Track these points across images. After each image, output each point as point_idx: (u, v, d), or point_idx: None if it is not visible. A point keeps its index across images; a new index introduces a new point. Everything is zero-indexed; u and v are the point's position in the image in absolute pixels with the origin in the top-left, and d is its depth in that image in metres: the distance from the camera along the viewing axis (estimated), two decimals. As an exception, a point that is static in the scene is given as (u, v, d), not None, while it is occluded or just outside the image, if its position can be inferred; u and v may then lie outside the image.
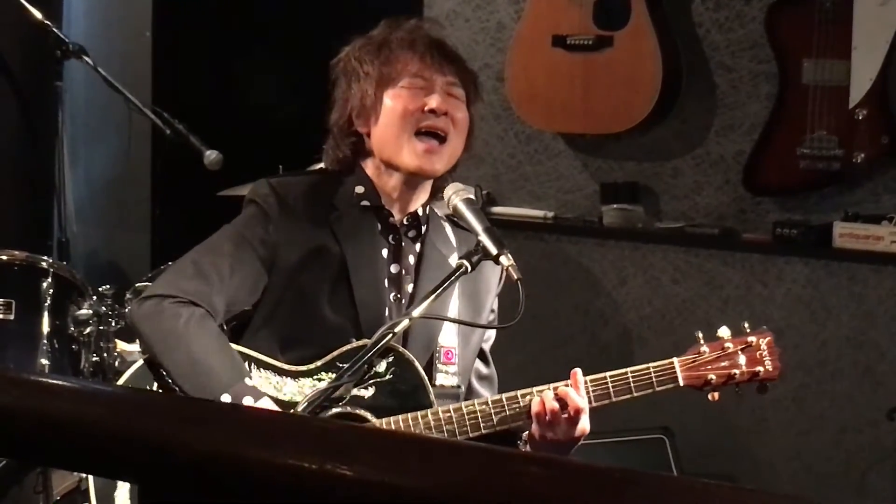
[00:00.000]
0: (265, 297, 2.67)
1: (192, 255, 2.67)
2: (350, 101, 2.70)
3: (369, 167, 2.73)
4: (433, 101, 2.63)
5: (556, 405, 2.51)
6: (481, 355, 2.86)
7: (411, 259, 2.74)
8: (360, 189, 2.72)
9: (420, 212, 2.75)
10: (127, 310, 3.78)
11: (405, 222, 2.74)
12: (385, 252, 2.71)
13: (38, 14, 4.40)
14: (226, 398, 2.46)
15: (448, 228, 2.80)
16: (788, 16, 4.25)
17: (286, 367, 2.61)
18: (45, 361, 3.62)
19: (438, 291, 2.44)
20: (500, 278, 2.80)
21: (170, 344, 2.54)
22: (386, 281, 2.70)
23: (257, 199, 2.70)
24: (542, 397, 2.53)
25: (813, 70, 4.14)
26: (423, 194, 2.73)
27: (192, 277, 2.60)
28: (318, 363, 2.60)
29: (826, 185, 4.28)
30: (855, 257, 4.21)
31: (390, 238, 2.72)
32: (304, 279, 2.64)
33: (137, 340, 2.69)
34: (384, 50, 2.69)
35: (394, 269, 2.71)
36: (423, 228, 2.76)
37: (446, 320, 2.66)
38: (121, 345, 3.88)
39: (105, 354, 3.79)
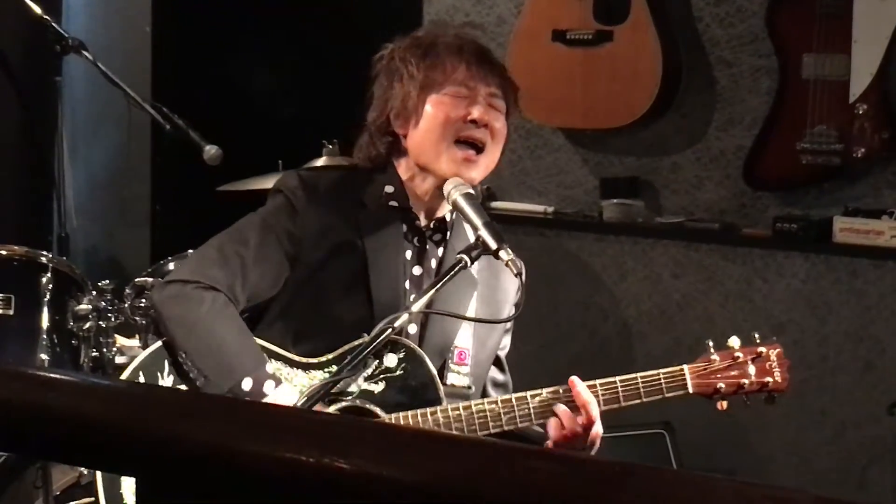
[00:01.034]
0: (284, 289, 2.67)
1: (217, 241, 2.68)
2: (391, 100, 2.69)
3: (402, 168, 2.72)
4: (475, 112, 2.62)
5: (578, 427, 2.54)
6: (497, 362, 2.87)
7: (434, 263, 2.74)
8: (389, 189, 2.72)
9: (447, 217, 2.75)
10: (127, 304, 3.78)
11: (431, 226, 2.74)
12: (409, 254, 2.71)
13: (37, 9, 4.39)
14: (247, 382, 2.47)
15: (470, 232, 2.79)
16: (788, 10, 4.25)
17: (297, 358, 2.62)
18: (44, 356, 3.61)
19: (438, 286, 2.44)
20: (519, 289, 2.80)
21: (192, 328, 2.55)
22: (407, 283, 2.69)
23: (285, 191, 2.69)
24: (558, 419, 2.54)
25: (813, 65, 4.14)
26: None
27: (216, 264, 2.61)
28: (330, 356, 2.60)
29: (826, 180, 4.27)
30: (855, 252, 4.20)
31: (415, 240, 2.72)
32: (325, 275, 2.65)
33: (158, 323, 2.69)
34: (431, 53, 2.68)
35: (416, 271, 2.71)
36: (449, 233, 2.75)
37: (449, 315, 2.66)
38: (120, 340, 3.88)
39: (104, 349, 3.78)
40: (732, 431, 4.46)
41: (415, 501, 0.90)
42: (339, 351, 2.60)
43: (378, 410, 2.59)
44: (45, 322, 3.65)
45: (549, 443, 2.57)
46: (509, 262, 2.42)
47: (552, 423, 2.56)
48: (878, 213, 4.17)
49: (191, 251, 2.81)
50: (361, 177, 2.75)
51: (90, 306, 3.72)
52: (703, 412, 4.24)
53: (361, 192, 2.72)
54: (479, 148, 2.64)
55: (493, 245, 2.44)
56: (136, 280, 3.84)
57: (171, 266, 3.83)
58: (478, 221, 2.48)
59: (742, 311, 4.42)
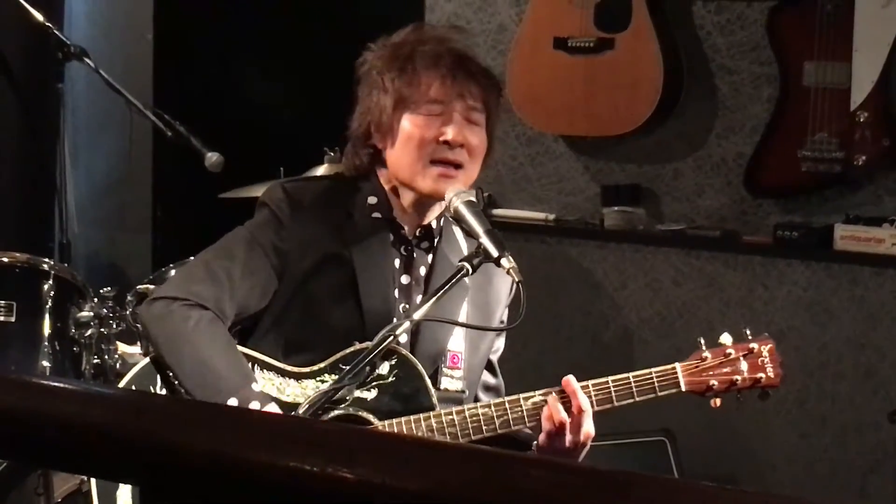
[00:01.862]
0: (274, 302, 2.66)
1: (203, 257, 2.66)
2: (370, 111, 2.67)
3: (384, 178, 2.71)
4: (450, 134, 2.59)
5: (563, 415, 2.52)
6: (489, 366, 2.86)
7: (422, 270, 2.73)
8: (372, 200, 2.71)
9: (434, 224, 2.74)
10: (129, 311, 3.78)
11: (417, 234, 2.73)
12: (397, 263, 2.70)
13: (39, 16, 4.40)
14: (232, 402, 2.45)
15: (460, 236, 2.77)
16: (790, 18, 4.25)
17: (289, 368, 2.61)
18: (46, 364, 3.61)
19: (440, 294, 2.44)
20: (511, 290, 2.80)
21: (178, 346, 2.53)
22: (396, 291, 2.69)
23: (271, 204, 2.68)
24: (549, 410, 2.54)
25: (814, 72, 4.14)
26: (437, 209, 2.71)
27: (202, 280, 2.59)
28: (322, 365, 2.59)
29: (827, 188, 4.28)
30: (856, 259, 4.20)
31: (402, 249, 2.71)
32: (314, 286, 2.64)
33: (145, 341, 2.69)
34: (407, 67, 2.64)
35: (405, 279, 2.70)
36: (436, 240, 2.75)
37: (447, 322, 2.65)
38: (122, 347, 3.88)
39: (106, 356, 3.78)
40: (733, 438, 4.46)
41: (418, 510, 0.90)
42: (331, 359, 2.59)
43: (371, 417, 2.59)
44: (46, 329, 3.65)
45: (541, 437, 2.56)
46: (511, 270, 2.42)
47: (543, 421, 2.54)
48: (879, 221, 4.17)
49: (192, 258, 2.80)
50: (347, 187, 2.74)
51: (92, 313, 3.73)
52: (704, 419, 4.25)
53: (347, 203, 2.70)
54: (456, 165, 2.63)
55: (494, 253, 2.43)
56: (138, 287, 3.85)
57: (173, 273, 3.83)
58: (479, 229, 2.47)
59: (743, 319, 4.41)
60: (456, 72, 2.64)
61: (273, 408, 2.50)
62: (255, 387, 2.51)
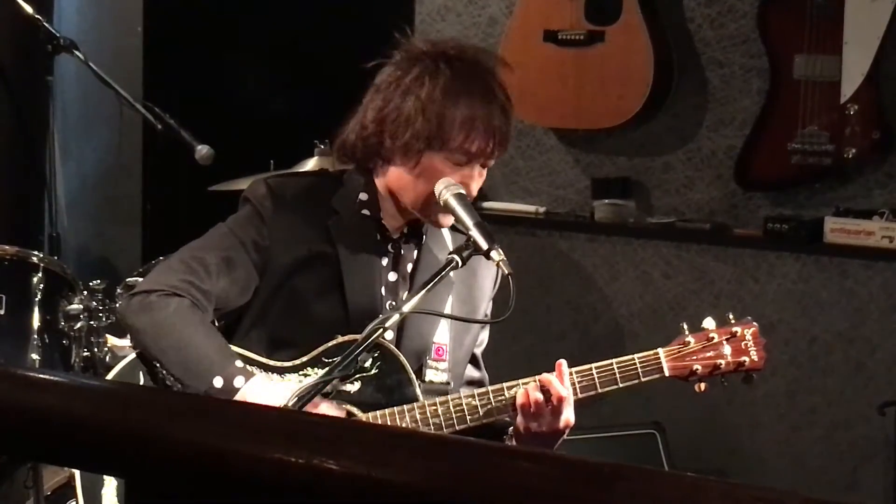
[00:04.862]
0: (256, 298, 2.66)
1: (182, 252, 2.66)
2: (395, 121, 2.57)
3: (380, 181, 2.68)
4: (466, 188, 2.56)
5: (540, 395, 2.52)
6: (473, 360, 2.85)
7: (409, 267, 2.73)
8: (363, 196, 2.69)
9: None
10: (118, 304, 3.78)
11: (405, 231, 2.72)
12: (385, 261, 2.70)
13: (28, 8, 4.39)
14: (218, 381, 2.47)
15: (446, 232, 2.77)
16: (780, 11, 4.25)
17: (273, 363, 2.61)
18: (35, 356, 3.61)
19: (429, 286, 2.43)
20: (495, 283, 2.80)
21: (159, 334, 2.54)
22: (383, 289, 2.68)
23: (253, 200, 2.66)
24: (525, 388, 2.54)
25: (804, 65, 4.14)
26: None
27: (180, 273, 2.60)
28: (304, 358, 2.59)
29: (817, 180, 4.28)
30: (846, 252, 4.21)
31: (389, 246, 2.71)
32: (298, 282, 2.63)
33: (128, 336, 2.68)
34: (459, 103, 2.54)
35: (391, 277, 2.70)
36: (424, 237, 2.74)
37: (436, 315, 2.65)
38: (111, 340, 3.88)
39: (95, 349, 3.78)
40: (723, 431, 4.47)
41: (403, 502, 0.90)
42: (314, 353, 2.59)
43: (355, 410, 2.59)
44: (36, 322, 3.64)
45: (518, 420, 2.55)
46: (500, 263, 2.42)
47: (518, 402, 2.53)
48: (869, 214, 4.18)
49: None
50: (332, 183, 2.72)
51: (81, 306, 3.72)
52: (694, 412, 4.26)
53: (332, 199, 2.68)
54: None
55: (484, 245, 2.43)
56: (128, 280, 3.84)
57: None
58: (469, 221, 2.47)
59: (733, 311, 4.36)
60: (497, 140, 2.58)
61: (258, 381, 2.51)
62: (238, 363, 2.52)
